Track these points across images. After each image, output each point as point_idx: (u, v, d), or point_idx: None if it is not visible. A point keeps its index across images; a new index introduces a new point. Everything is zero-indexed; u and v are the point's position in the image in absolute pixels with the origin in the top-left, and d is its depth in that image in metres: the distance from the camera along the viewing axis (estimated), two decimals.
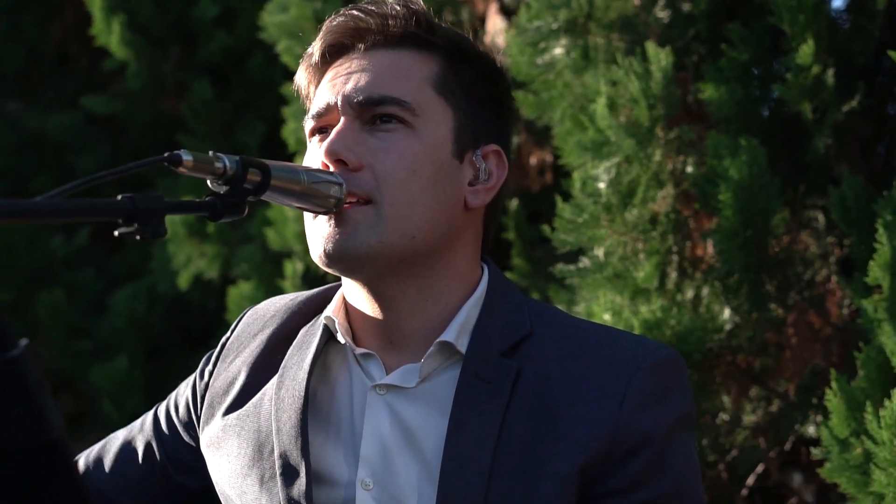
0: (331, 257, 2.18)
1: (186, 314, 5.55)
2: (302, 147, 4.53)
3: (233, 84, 5.50)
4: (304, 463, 2.20)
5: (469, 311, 2.24)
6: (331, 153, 2.18)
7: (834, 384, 2.89)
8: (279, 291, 4.50)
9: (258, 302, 4.52)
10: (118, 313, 5.49)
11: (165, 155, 1.84)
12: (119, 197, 1.75)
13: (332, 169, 2.18)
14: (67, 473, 1.47)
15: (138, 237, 1.77)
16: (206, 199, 1.94)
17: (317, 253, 2.21)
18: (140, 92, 5.59)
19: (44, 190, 5.84)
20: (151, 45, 5.51)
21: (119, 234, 1.78)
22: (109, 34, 5.46)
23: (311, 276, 4.56)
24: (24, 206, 1.57)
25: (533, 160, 4.23)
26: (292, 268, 4.56)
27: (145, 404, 5.18)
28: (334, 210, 2.15)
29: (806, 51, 3.12)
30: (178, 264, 5.12)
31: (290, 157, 4.53)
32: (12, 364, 1.42)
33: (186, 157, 1.88)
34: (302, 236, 4.54)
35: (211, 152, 1.94)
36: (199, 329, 5.47)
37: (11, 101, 6.17)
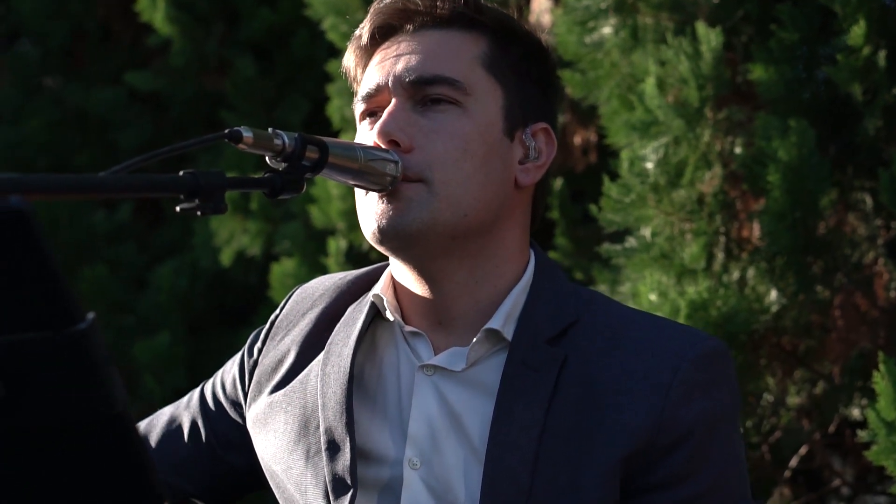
0: (384, 233, 2.18)
1: (228, 290, 5.56)
2: (346, 125, 4.53)
3: (276, 61, 5.51)
4: (348, 438, 2.21)
5: (516, 298, 2.24)
6: (384, 134, 2.18)
7: (882, 367, 2.88)
8: (322, 269, 4.51)
9: (301, 279, 4.56)
10: (160, 289, 5.51)
11: (226, 131, 1.86)
12: (181, 173, 1.76)
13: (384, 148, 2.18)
14: (131, 447, 1.48)
15: (199, 213, 1.78)
16: (266, 175, 1.95)
17: (369, 230, 2.21)
18: (183, 68, 5.60)
19: (86, 166, 5.91)
20: (195, 22, 5.52)
21: (181, 209, 1.79)
22: (153, 10, 5.47)
23: (355, 254, 4.57)
24: (89, 181, 1.58)
25: (577, 139, 4.22)
26: (336, 245, 4.56)
27: (186, 380, 5.22)
28: (389, 188, 2.15)
29: (857, 32, 3.10)
30: (220, 240, 5.13)
31: (335, 135, 4.54)
32: (80, 337, 1.43)
33: (247, 133, 1.89)
34: (346, 214, 4.55)
35: (270, 129, 1.95)
36: (241, 305, 5.48)
37: (55, 77, 6.20)
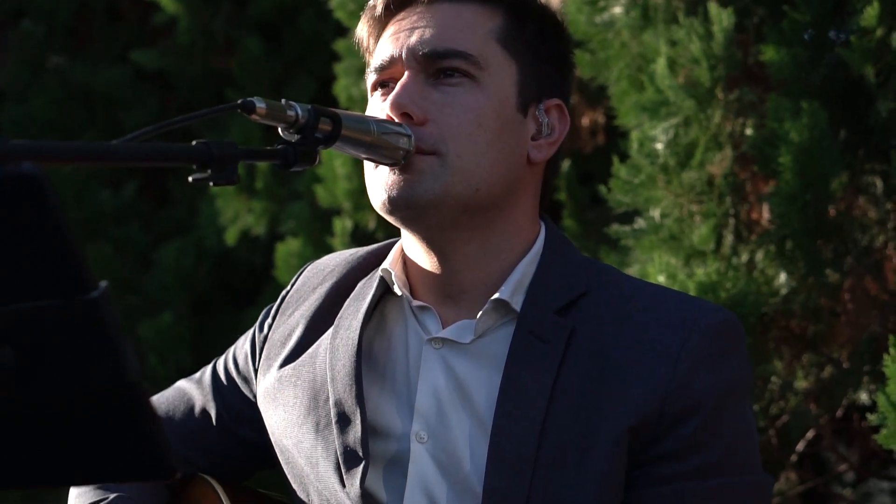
0: (395, 204, 2.17)
1: (233, 270, 5.56)
2: (353, 104, 4.52)
3: (283, 40, 5.50)
4: (358, 411, 2.21)
5: (525, 269, 2.23)
6: (396, 106, 2.17)
7: (892, 350, 2.87)
8: (327, 248, 4.51)
9: (306, 259, 4.55)
10: (165, 268, 5.51)
11: (239, 102, 1.85)
12: (194, 142, 1.74)
13: (397, 122, 2.17)
14: (144, 417, 1.47)
15: (211, 183, 1.77)
16: (279, 147, 1.94)
17: (379, 199, 2.19)
18: (190, 47, 5.60)
19: None
20: (202, 0, 5.51)
21: (193, 180, 1.78)
22: None
23: (360, 234, 4.56)
24: (101, 149, 1.57)
25: (585, 121, 4.21)
26: (341, 225, 4.56)
27: (191, 359, 5.22)
28: (402, 162, 2.14)
29: (871, 13, 3.09)
30: (225, 220, 5.13)
31: None
32: (92, 306, 1.42)
33: (260, 104, 1.89)
34: (351, 194, 4.54)
35: (284, 100, 1.94)
36: (246, 285, 5.49)
37: (61, 55, 6.18)
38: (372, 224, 4.52)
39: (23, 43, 6.14)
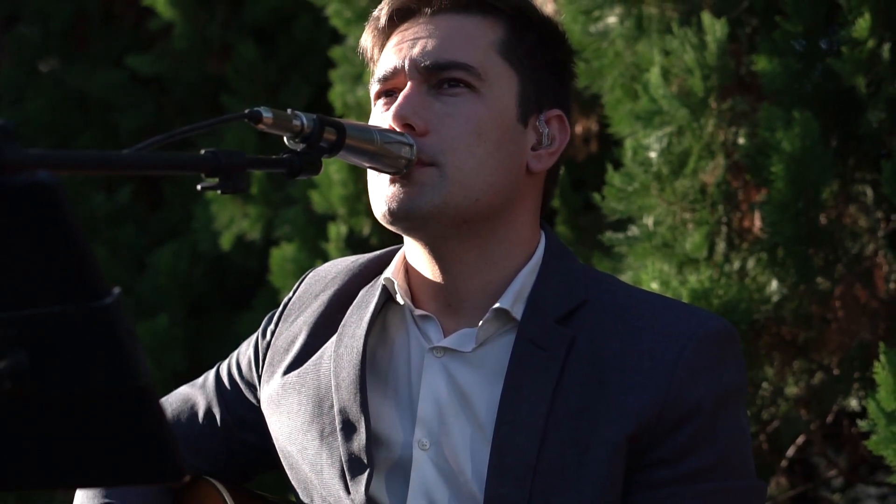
0: (395, 215, 2.20)
1: (228, 274, 5.57)
2: (348, 111, 4.54)
3: (279, 46, 5.51)
4: (363, 418, 2.23)
5: (525, 279, 2.26)
6: (399, 117, 2.20)
7: (882, 357, 2.90)
8: (322, 254, 4.53)
9: (301, 264, 4.56)
10: (160, 271, 5.52)
11: (246, 112, 1.88)
12: (203, 151, 1.78)
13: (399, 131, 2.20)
14: (155, 420, 1.50)
15: (220, 191, 1.80)
16: (284, 156, 1.97)
17: (380, 211, 2.22)
18: (185, 52, 5.61)
19: (88, 148, 5.90)
20: (198, 5, 5.52)
21: (201, 188, 1.81)
22: None
23: (355, 240, 4.58)
24: (114, 158, 1.60)
25: (579, 129, 4.23)
26: (336, 230, 4.57)
27: (185, 362, 5.23)
28: (404, 171, 2.17)
29: (862, 24, 3.12)
30: (220, 224, 5.14)
31: None
32: (104, 311, 1.45)
33: (266, 114, 1.91)
34: (346, 199, 4.55)
35: (289, 110, 1.97)
36: (241, 289, 5.49)
37: (57, 59, 6.20)
38: (367, 230, 4.54)
39: (18, 46, 6.16)
